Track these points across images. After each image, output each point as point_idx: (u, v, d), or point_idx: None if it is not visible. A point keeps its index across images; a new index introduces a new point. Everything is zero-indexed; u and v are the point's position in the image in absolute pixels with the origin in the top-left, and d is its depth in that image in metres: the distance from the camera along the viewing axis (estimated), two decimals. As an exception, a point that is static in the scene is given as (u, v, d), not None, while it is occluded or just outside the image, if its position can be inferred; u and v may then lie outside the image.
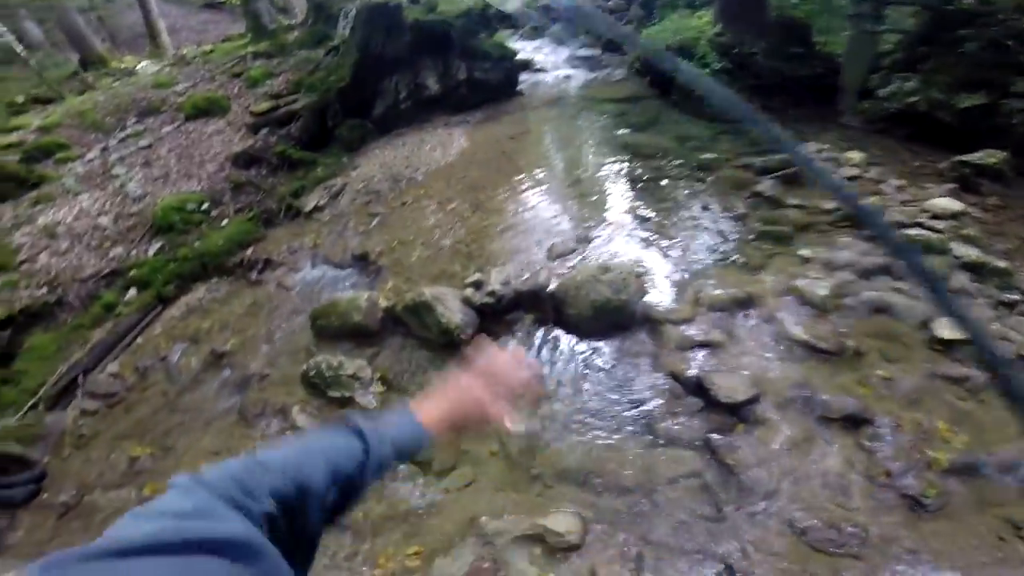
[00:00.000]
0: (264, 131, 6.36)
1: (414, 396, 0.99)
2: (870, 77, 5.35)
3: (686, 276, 3.53)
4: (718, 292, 3.28)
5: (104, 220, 5.17)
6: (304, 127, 6.37)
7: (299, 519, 0.64)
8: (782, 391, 2.57)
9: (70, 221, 5.10)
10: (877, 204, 3.89)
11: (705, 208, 4.22)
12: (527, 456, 2.85)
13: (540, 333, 3.46)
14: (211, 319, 4.06)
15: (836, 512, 2.13)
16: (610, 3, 9.78)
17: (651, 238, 3.99)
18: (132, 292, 4.32)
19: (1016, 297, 3.06)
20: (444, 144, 6.08)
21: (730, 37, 6.08)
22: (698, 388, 2.76)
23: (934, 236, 3.44)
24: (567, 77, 7.88)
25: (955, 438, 2.35)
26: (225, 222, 5.00)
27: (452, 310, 3.39)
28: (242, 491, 0.58)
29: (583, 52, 8.80)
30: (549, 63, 8.49)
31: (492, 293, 3.50)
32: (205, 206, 5.20)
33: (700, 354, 2.98)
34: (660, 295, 3.40)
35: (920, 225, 3.55)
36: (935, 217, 3.63)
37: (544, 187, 4.86)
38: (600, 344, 3.26)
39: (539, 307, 3.55)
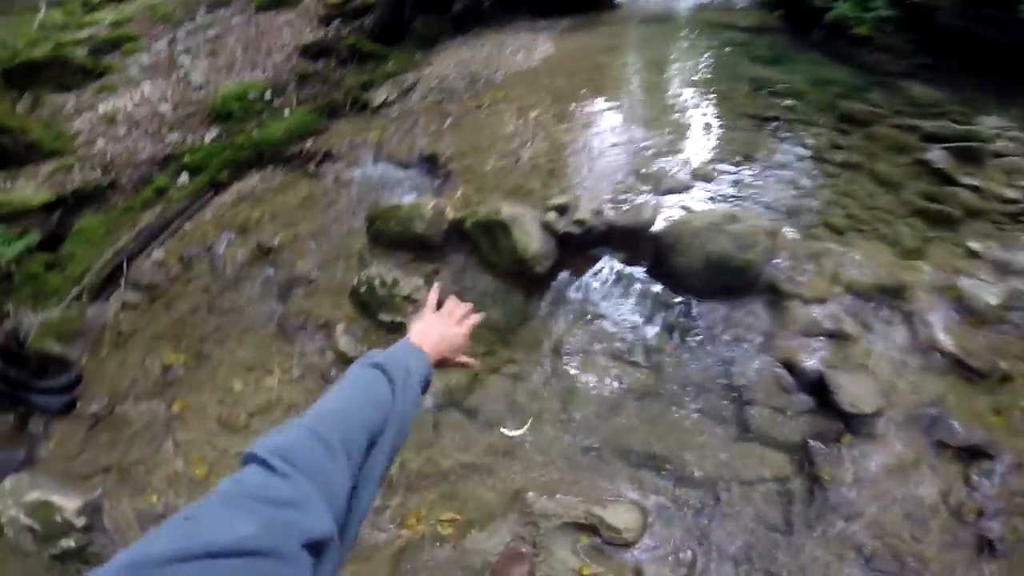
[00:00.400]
0: (336, 22, 5.90)
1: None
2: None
3: (826, 245, 2.71)
4: (862, 273, 2.51)
5: (164, 107, 4.91)
6: (378, 20, 5.82)
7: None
8: (910, 406, 2.11)
9: (130, 108, 4.92)
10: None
11: (848, 166, 3.27)
12: (591, 425, 2.36)
13: (629, 278, 2.80)
14: (262, 209, 3.66)
15: (906, 544, 1.90)
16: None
17: (783, 191, 3.13)
18: (184, 177, 3.99)
19: None
20: (527, 48, 5.26)
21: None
22: (815, 385, 2.22)
23: None
24: (677, -6, 6.61)
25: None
26: (287, 112, 4.54)
27: (530, 235, 2.76)
28: (329, 496, 0.54)
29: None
30: (655, -25, 7.18)
31: (580, 222, 2.82)
32: (267, 95, 4.76)
33: (825, 344, 2.33)
34: (792, 263, 2.61)
35: None
36: None
37: (647, 109, 4.00)
38: (705, 307, 2.59)
39: (635, 248, 2.86)
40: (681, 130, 3.73)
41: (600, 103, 4.12)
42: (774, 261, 2.57)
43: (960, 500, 1.88)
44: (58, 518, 2.25)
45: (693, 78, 4.42)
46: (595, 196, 2.97)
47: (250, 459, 0.54)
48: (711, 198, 3.10)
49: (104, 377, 3.01)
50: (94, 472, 2.60)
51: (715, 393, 2.34)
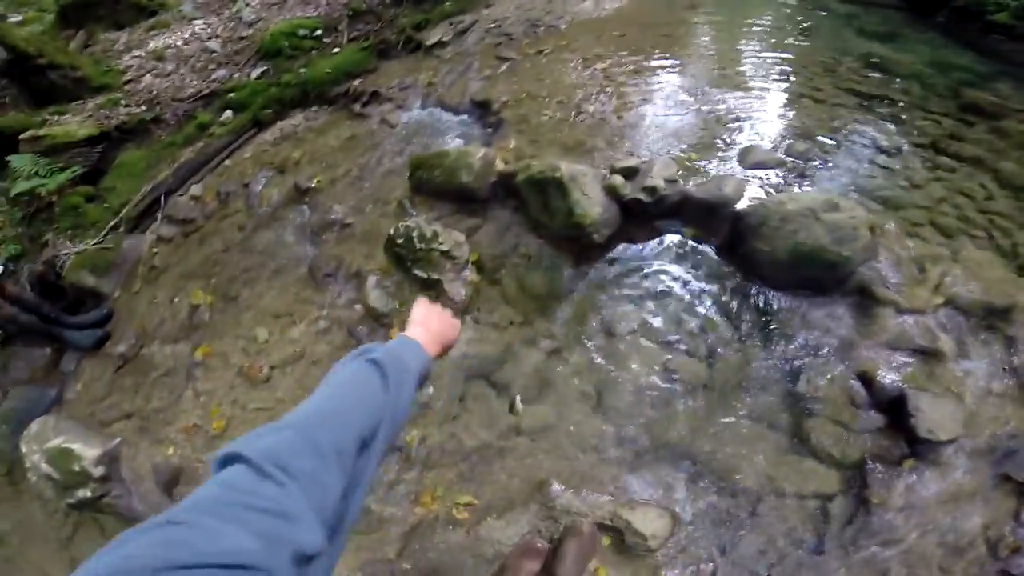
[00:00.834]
0: (394, -41, 5.53)
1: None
2: None
3: (934, 250, 2.30)
4: (969, 287, 2.11)
5: (213, 44, 4.77)
6: (438, -43, 5.42)
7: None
8: (987, 437, 1.86)
9: (180, 45, 4.82)
10: None
11: (967, 161, 2.75)
12: (630, 415, 2.12)
13: (696, 258, 2.45)
14: (303, 149, 3.46)
15: (932, 574, 1.74)
16: None
17: (888, 180, 2.68)
18: (228, 113, 3.83)
19: None
20: (598, -6, 4.77)
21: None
22: (891, 404, 1.94)
23: None
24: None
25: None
26: (337, 51, 4.29)
27: (591, 198, 2.43)
28: (321, 507, 0.50)
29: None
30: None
31: (651, 189, 2.46)
32: (318, 33, 4.51)
33: (912, 361, 2.01)
34: (893, 265, 2.20)
35: None
36: None
37: (733, 72, 3.50)
38: (781, 301, 2.25)
39: (709, 225, 2.48)
40: (774, 100, 3.27)
41: (679, 61, 3.67)
42: (872, 261, 2.17)
43: (1000, 535, 1.73)
44: (76, 467, 2.22)
45: (789, 44, 3.87)
46: (669, 162, 2.59)
47: (236, 459, 0.50)
48: (805, 179, 2.69)
49: (134, 314, 2.92)
50: (116, 418, 2.54)
51: (775, 397, 2.08)
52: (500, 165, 2.77)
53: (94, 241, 3.16)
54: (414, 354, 0.84)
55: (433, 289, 2.46)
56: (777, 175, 2.71)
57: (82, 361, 2.84)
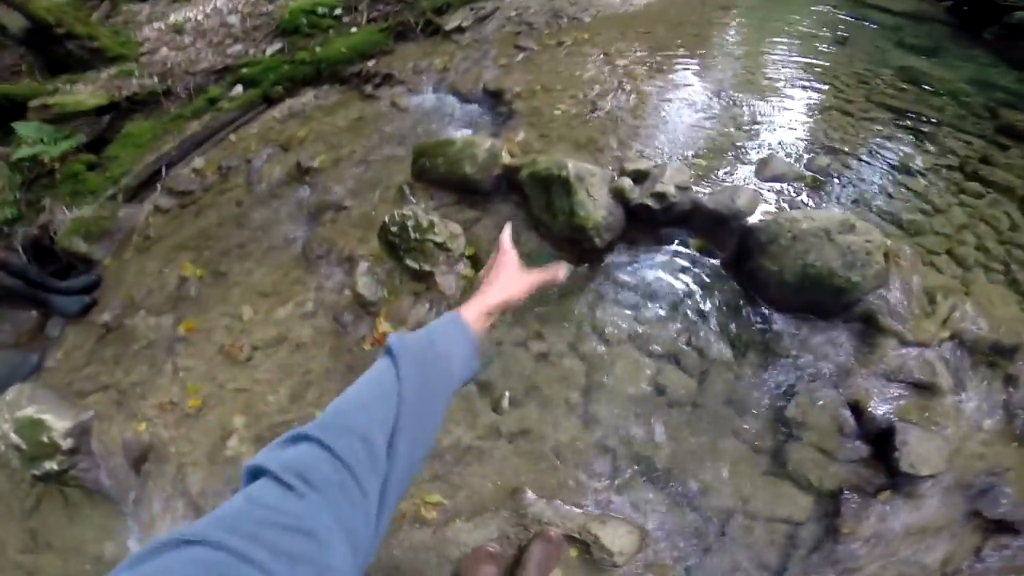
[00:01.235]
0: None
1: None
2: None
3: (947, 281, 2.19)
4: (978, 325, 1.99)
5: (233, 19, 4.73)
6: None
7: None
8: (967, 474, 1.83)
9: (200, 19, 4.79)
10: None
11: (995, 187, 2.60)
12: (613, 425, 2.06)
13: (699, 270, 2.34)
14: (309, 127, 3.39)
15: None
16: None
17: (909, 202, 2.54)
18: (239, 88, 3.77)
19: None
20: (628, -10, 4.62)
21: None
22: (879, 436, 1.87)
23: None
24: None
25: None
26: (355, 30, 4.21)
27: (596, 200, 2.31)
28: (349, 518, 0.48)
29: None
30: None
31: (660, 195, 2.34)
32: (337, 11, 4.44)
33: (907, 394, 1.92)
34: (903, 295, 2.07)
35: None
36: None
37: (760, 79, 3.35)
38: (781, 322, 2.14)
39: (716, 237, 2.37)
40: (800, 109, 3.12)
41: (704, 62, 3.52)
42: (882, 289, 2.04)
43: (959, 569, 1.71)
44: (45, 438, 2.16)
45: (824, 52, 3.70)
46: (682, 167, 2.46)
47: (261, 472, 0.48)
48: (823, 196, 2.56)
49: (122, 283, 2.87)
50: (93, 389, 2.48)
51: (761, 420, 1.99)
52: (506, 158, 2.66)
53: (91, 208, 3.12)
54: (455, 335, 0.78)
55: (424, 281, 2.37)
56: (794, 189, 2.58)
57: (66, 328, 2.80)
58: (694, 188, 2.41)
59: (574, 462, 1.96)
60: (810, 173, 2.66)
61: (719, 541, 1.80)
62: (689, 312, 2.25)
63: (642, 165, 2.50)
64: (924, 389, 1.91)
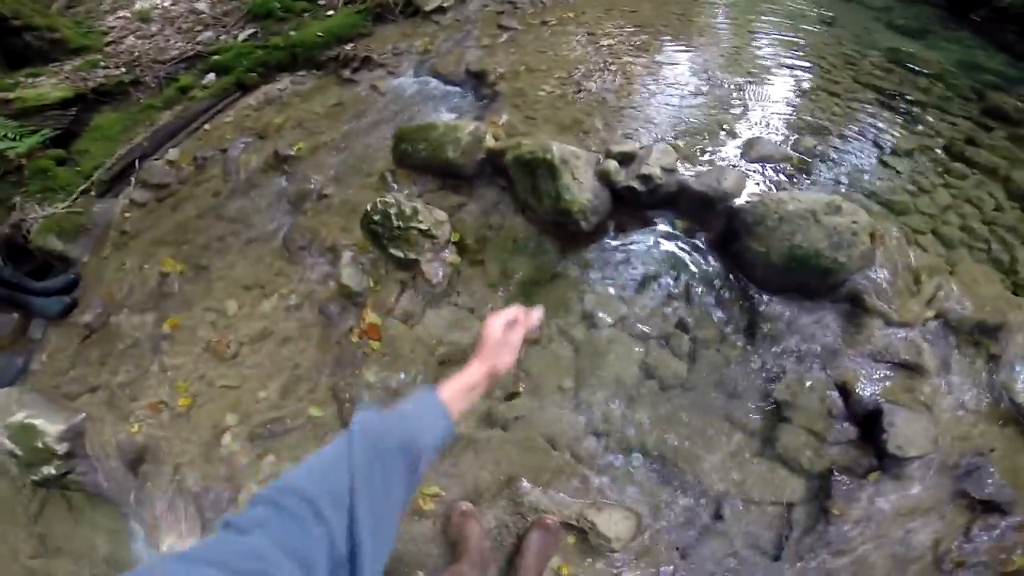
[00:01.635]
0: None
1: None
2: None
3: (932, 261, 2.21)
4: (962, 304, 2.02)
5: (202, 5, 4.55)
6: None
7: None
8: (954, 455, 1.85)
9: (167, 6, 4.59)
10: None
11: (980, 168, 2.64)
12: (604, 411, 2.08)
13: (686, 253, 2.33)
14: (286, 114, 3.29)
15: None
16: None
17: (894, 182, 2.57)
18: (211, 76, 3.64)
19: None
20: (612, -33, 4.53)
21: None
22: (867, 418, 1.89)
23: None
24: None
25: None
26: (331, 13, 4.07)
27: (582, 183, 2.28)
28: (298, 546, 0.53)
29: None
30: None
31: (646, 177, 2.32)
32: (313, -6, 4.29)
33: (893, 375, 1.94)
34: (889, 275, 2.08)
35: None
36: None
37: (747, 58, 3.34)
38: (768, 303, 2.14)
39: (703, 218, 2.36)
40: (787, 90, 3.11)
41: (691, 42, 3.50)
42: (868, 269, 2.05)
43: (948, 549, 1.74)
44: (40, 444, 2.14)
45: (812, 32, 3.67)
46: (668, 149, 2.44)
47: (225, 524, 0.55)
48: (810, 176, 2.57)
49: (102, 281, 2.79)
50: (81, 391, 2.43)
51: (751, 402, 2.00)
52: (490, 141, 2.60)
53: (63, 205, 3.01)
54: (427, 415, 0.79)
55: (410, 269, 2.33)
56: (781, 170, 2.58)
57: (48, 329, 2.72)
58: (680, 170, 2.39)
59: (568, 449, 1.95)
60: (796, 154, 2.66)
61: (714, 524, 1.82)
62: (677, 294, 2.24)
63: (627, 147, 2.47)
64: (910, 369, 1.93)
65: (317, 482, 0.59)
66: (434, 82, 3.29)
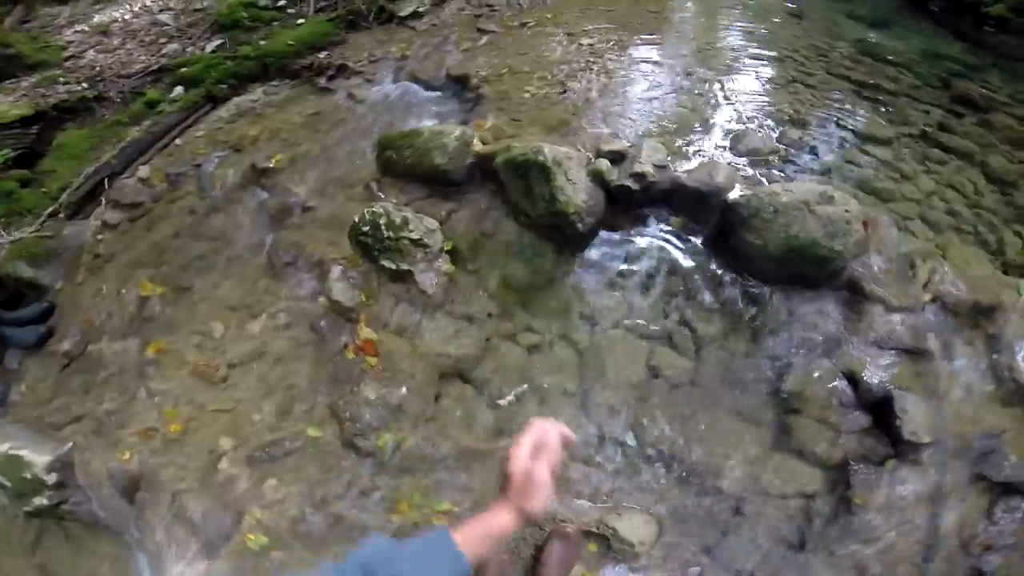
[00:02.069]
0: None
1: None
2: None
3: (925, 245, 2.26)
4: (957, 286, 2.04)
5: (165, 16, 4.43)
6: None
7: None
8: (966, 437, 1.84)
9: (128, 19, 4.46)
10: None
11: (957, 154, 2.73)
12: (614, 413, 2.07)
13: (683, 249, 2.33)
14: (261, 126, 3.19)
15: (908, 570, 1.72)
16: None
17: (880, 171, 2.63)
18: (179, 90, 3.52)
19: None
20: (585, -32, 4.54)
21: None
22: (877, 405, 1.90)
23: None
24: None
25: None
26: (301, 21, 3.99)
27: (576, 184, 2.26)
28: None
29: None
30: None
31: (639, 175, 2.31)
32: (281, 2, 4.19)
33: (899, 360, 1.95)
34: (884, 261, 2.12)
35: None
36: None
37: (726, 54, 3.41)
38: (769, 296, 2.15)
39: (698, 214, 2.36)
40: (766, 83, 3.17)
41: (670, 40, 3.54)
42: (863, 256, 2.08)
43: (974, 533, 1.74)
44: (28, 475, 2.05)
45: (781, 25, 3.74)
46: (658, 146, 2.43)
47: None
48: (798, 168, 2.61)
49: (79, 308, 2.66)
50: (66, 421, 2.31)
51: (760, 395, 2.01)
52: (478, 145, 2.56)
53: (31, 229, 2.86)
54: (419, 554, 0.70)
55: (403, 281, 2.27)
56: (770, 163, 2.61)
57: (25, 360, 2.58)
58: (672, 166, 2.38)
59: (580, 455, 1.92)
60: (782, 146, 2.70)
61: (736, 521, 1.80)
62: (677, 291, 2.24)
63: (617, 145, 2.46)
64: (915, 354, 1.94)
65: None
66: (414, 88, 3.24)
